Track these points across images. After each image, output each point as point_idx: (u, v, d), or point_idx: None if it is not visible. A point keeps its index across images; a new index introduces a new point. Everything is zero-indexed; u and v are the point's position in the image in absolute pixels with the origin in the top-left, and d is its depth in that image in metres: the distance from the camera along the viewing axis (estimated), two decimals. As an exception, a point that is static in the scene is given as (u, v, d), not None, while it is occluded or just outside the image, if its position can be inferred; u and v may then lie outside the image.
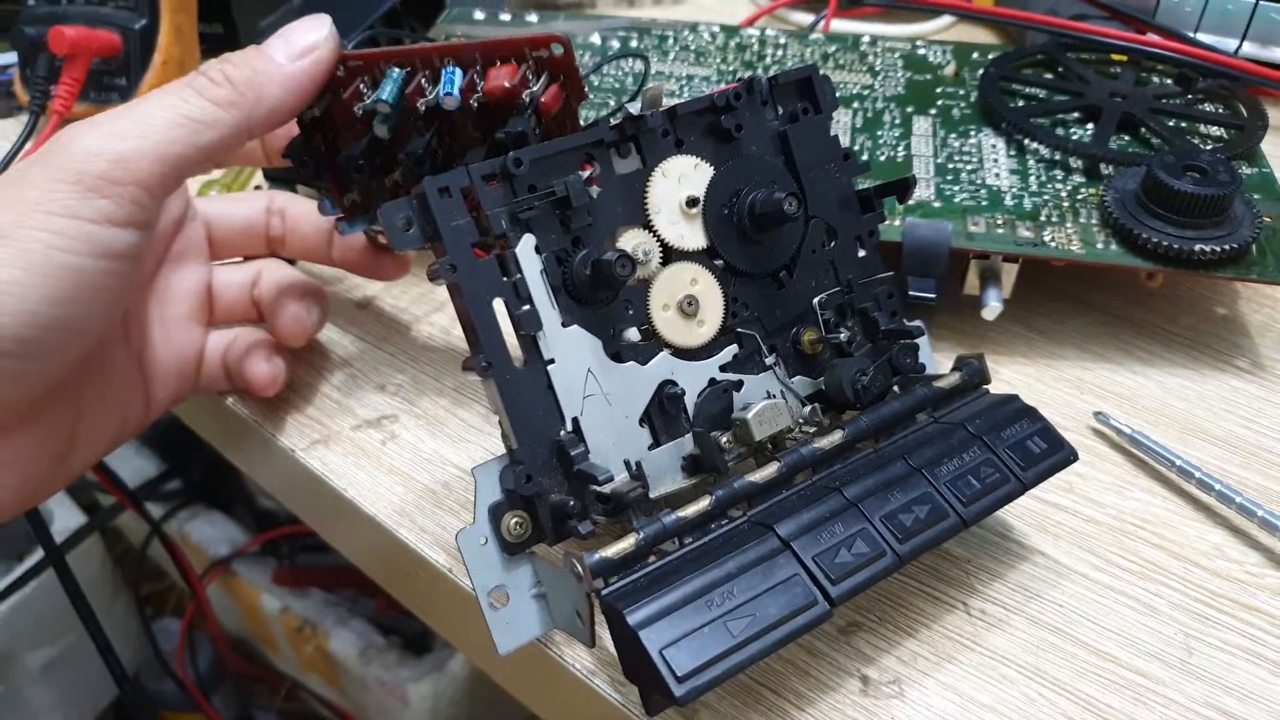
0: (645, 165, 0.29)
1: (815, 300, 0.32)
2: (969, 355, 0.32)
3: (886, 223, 0.37)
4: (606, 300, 0.28)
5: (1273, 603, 0.29)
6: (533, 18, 0.53)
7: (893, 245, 0.37)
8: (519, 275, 0.27)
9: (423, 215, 0.26)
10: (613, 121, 0.29)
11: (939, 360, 0.35)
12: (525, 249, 0.27)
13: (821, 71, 0.33)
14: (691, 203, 0.30)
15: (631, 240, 0.29)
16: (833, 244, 0.32)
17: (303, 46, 0.30)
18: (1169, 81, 0.45)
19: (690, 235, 0.30)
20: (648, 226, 0.29)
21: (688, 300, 0.30)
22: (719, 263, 0.31)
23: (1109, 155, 0.39)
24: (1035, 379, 0.37)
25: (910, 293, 0.36)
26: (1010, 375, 0.37)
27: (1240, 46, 0.53)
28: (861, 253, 0.33)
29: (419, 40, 0.52)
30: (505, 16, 0.53)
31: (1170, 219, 0.35)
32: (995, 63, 0.46)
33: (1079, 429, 0.35)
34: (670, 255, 0.30)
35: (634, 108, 0.29)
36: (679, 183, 0.30)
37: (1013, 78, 0.45)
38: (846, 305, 0.33)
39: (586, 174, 0.28)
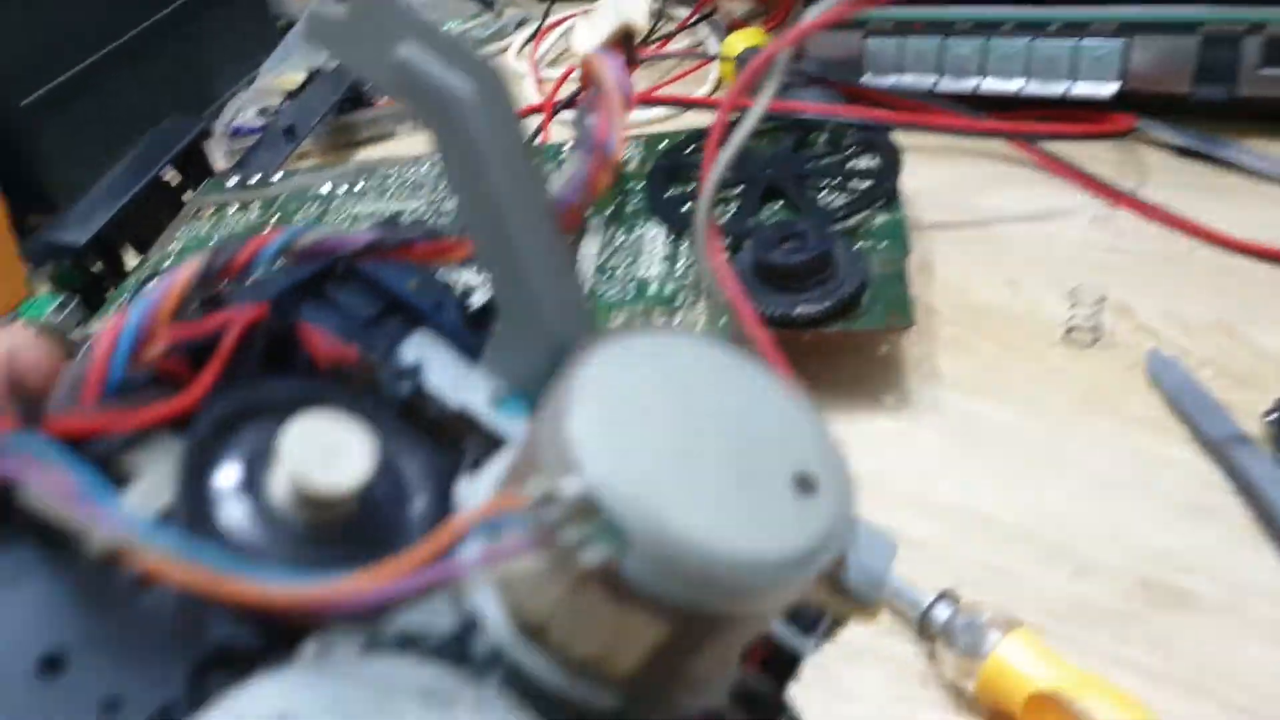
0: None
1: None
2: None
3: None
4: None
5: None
6: (278, 175, 0.57)
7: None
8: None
9: None
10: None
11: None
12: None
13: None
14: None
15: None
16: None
17: None
18: (823, 142, 0.48)
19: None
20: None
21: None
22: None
23: (744, 231, 0.42)
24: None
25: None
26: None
27: (938, 83, 0.56)
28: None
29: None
30: (253, 181, 0.57)
31: (777, 287, 0.38)
32: (666, 153, 0.49)
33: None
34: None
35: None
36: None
37: (688, 163, 0.48)
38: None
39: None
